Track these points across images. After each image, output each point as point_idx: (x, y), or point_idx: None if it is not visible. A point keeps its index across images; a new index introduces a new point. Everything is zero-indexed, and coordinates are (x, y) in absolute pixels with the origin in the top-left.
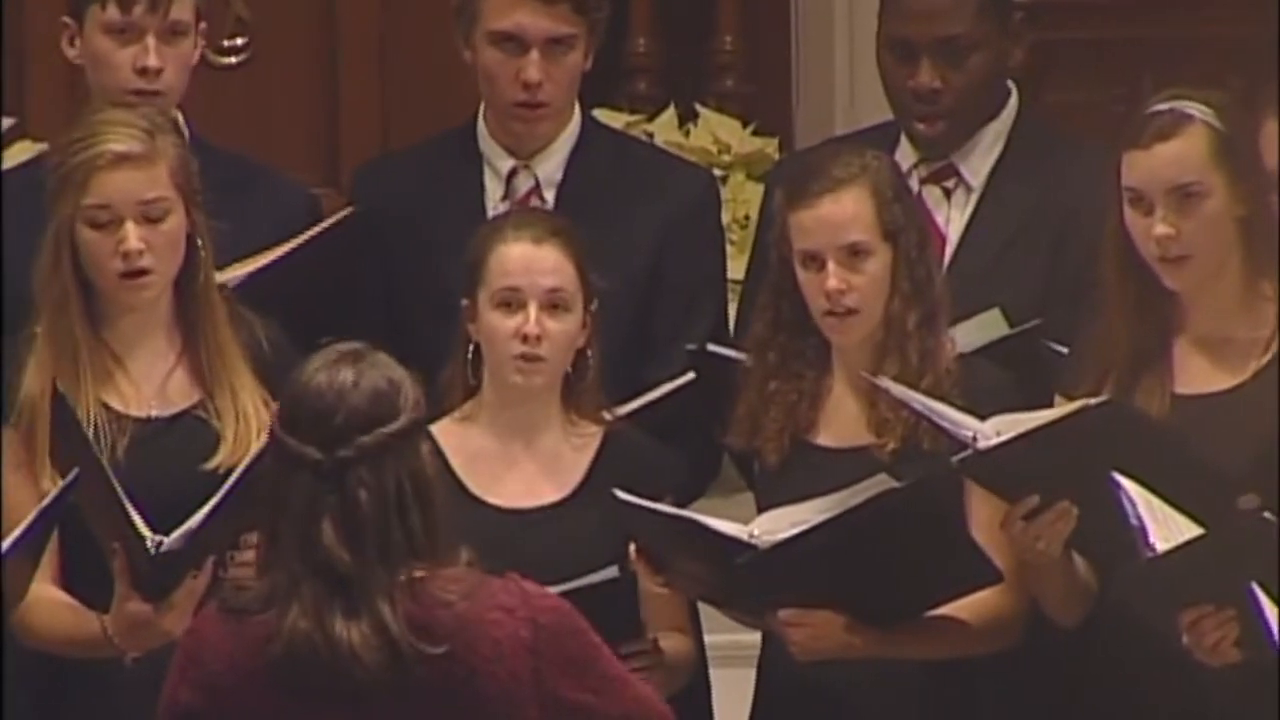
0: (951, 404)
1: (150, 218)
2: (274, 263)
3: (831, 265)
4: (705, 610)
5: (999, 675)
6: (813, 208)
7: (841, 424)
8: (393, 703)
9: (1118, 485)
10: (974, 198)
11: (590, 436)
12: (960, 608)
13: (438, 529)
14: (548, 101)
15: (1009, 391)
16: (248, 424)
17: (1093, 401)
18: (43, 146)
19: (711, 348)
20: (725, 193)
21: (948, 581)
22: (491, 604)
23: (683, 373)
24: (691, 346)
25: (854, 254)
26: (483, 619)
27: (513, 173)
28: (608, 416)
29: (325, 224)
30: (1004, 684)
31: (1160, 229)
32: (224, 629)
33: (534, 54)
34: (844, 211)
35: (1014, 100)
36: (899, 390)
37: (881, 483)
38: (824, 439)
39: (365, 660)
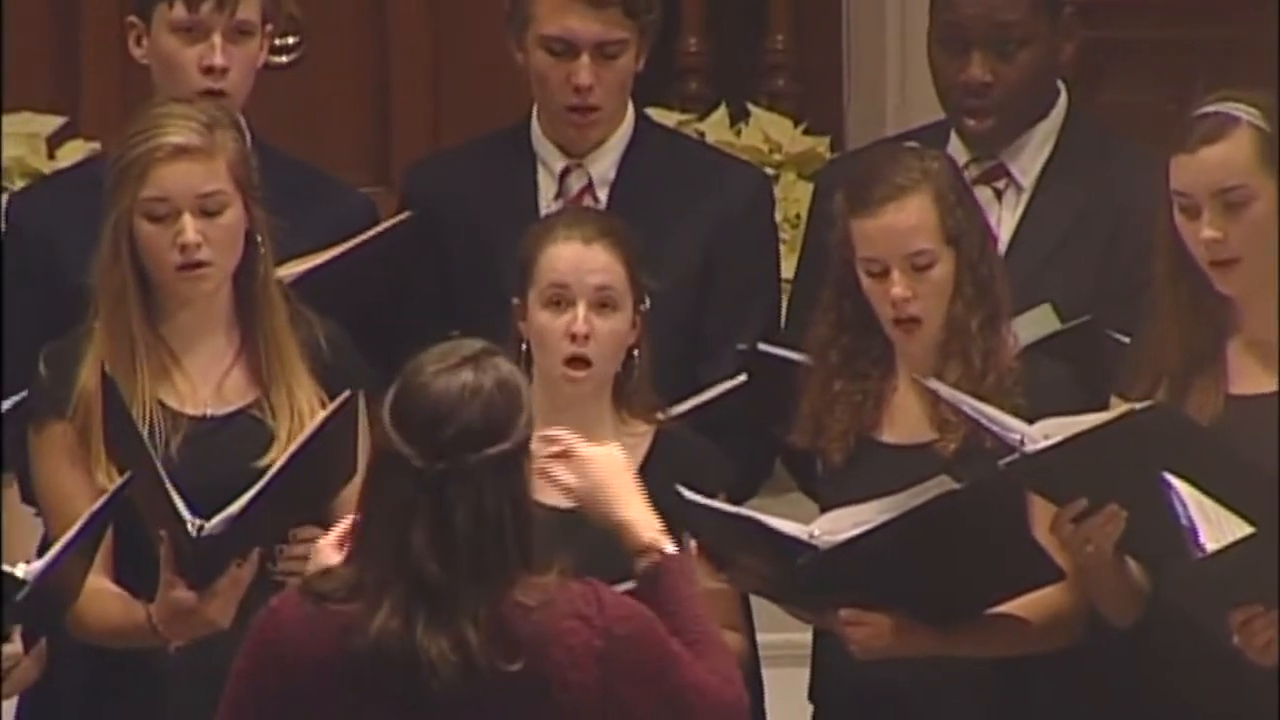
0: (1013, 402)
1: (208, 211)
2: (331, 261)
3: (896, 274)
4: (759, 608)
5: (1057, 675)
6: (876, 216)
7: (905, 421)
8: (464, 711)
9: (1168, 485)
10: (1025, 198)
11: (641, 436)
12: (1020, 606)
13: (533, 548)
14: (599, 105)
15: (1069, 388)
16: (302, 423)
17: (1138, 406)
18: (95, 146)
19: (762, 347)
20: (776, 192)
21: (1008, 580)
22: (567, 611)
23: (735, 373)
24: (742, 346)
25: (918, 262)
26: (557, 627)
27: (565, 171)
28: (660, 416)
29: (384, 225)
30: (1062, 683)
31: (1208, 233)
32: (302, 612)
33: (585, 59)
34: (908, 220)
35: (1063, 100)
36: (948, 393)
37: (942, 484)
38: (888, 436)
39: (441, 674)
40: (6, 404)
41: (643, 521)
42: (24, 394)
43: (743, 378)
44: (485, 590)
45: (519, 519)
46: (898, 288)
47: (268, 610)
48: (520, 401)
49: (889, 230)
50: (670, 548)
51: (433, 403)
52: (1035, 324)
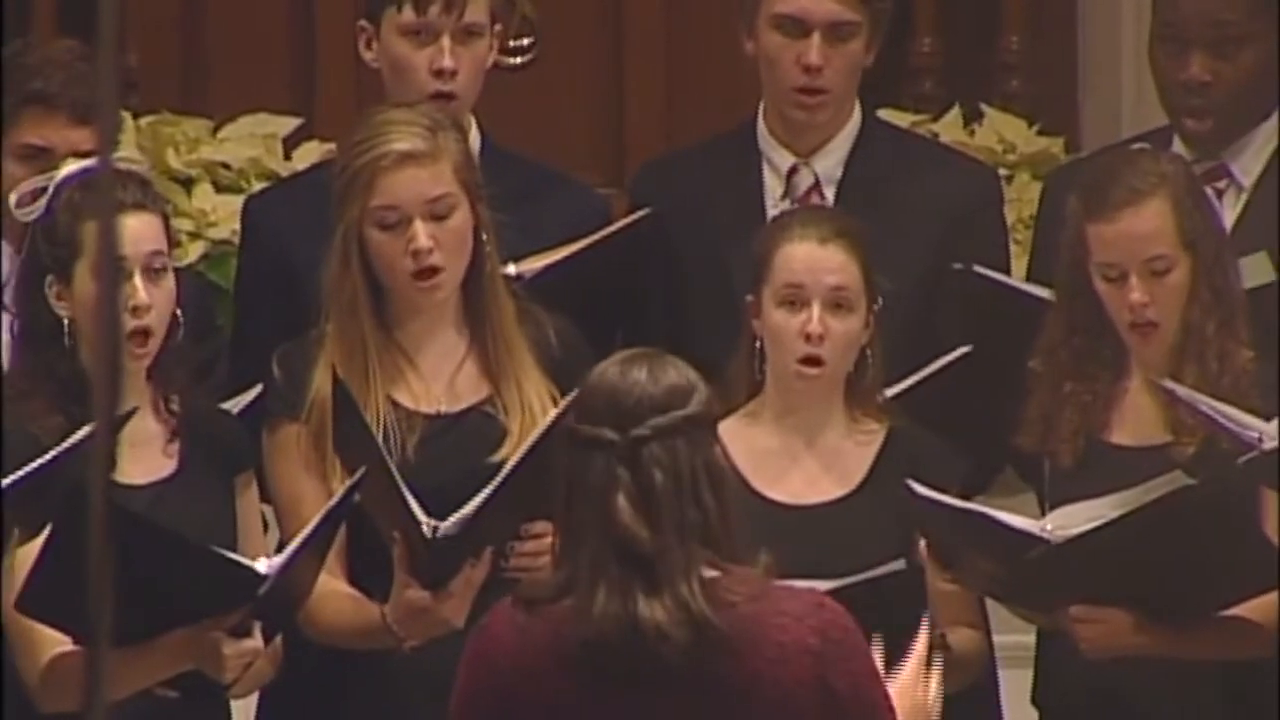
0: (1248, 404)
1: (437, 215)
2: (570, 258)
3: (1134, 279)
4: (992, 610)
5: None
6: (1113, 221)
7: (1138, 422)
8: (688, 692)
9: None
10: (1245, 198)
11: (873, 433)
12: (1254, 608)
13: (731, 517)
14: (828, 88)
15: None
16: (533, 417)
17: None
18: (330, 148)
19: (978, 269)
20: (1010, 192)
21: (1243, 581)
22: (779, 608)
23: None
24: (958, 265)
25: (1156, 267)
26: (768, 622)
27: (792, 170)
28: (884, 398)
29: (624, 222)
30: None
31: None
32: (511, 625)
33: (816, 38)
34: (1146, 225)
35: None
36: (1185, 393)
37: (1176, 479)
38: (1120, 438)
39: (671, 637)
40: (240, 403)
41: None
42: (257, 392)
43: (965, 349)
44: (691, 551)
45: (714, 483)
46: (1136, 293)
47: (479, 627)
48: (694, 378)
49: (1127, 235)
50: None
51: (611, 385)
52: (1251, 272)
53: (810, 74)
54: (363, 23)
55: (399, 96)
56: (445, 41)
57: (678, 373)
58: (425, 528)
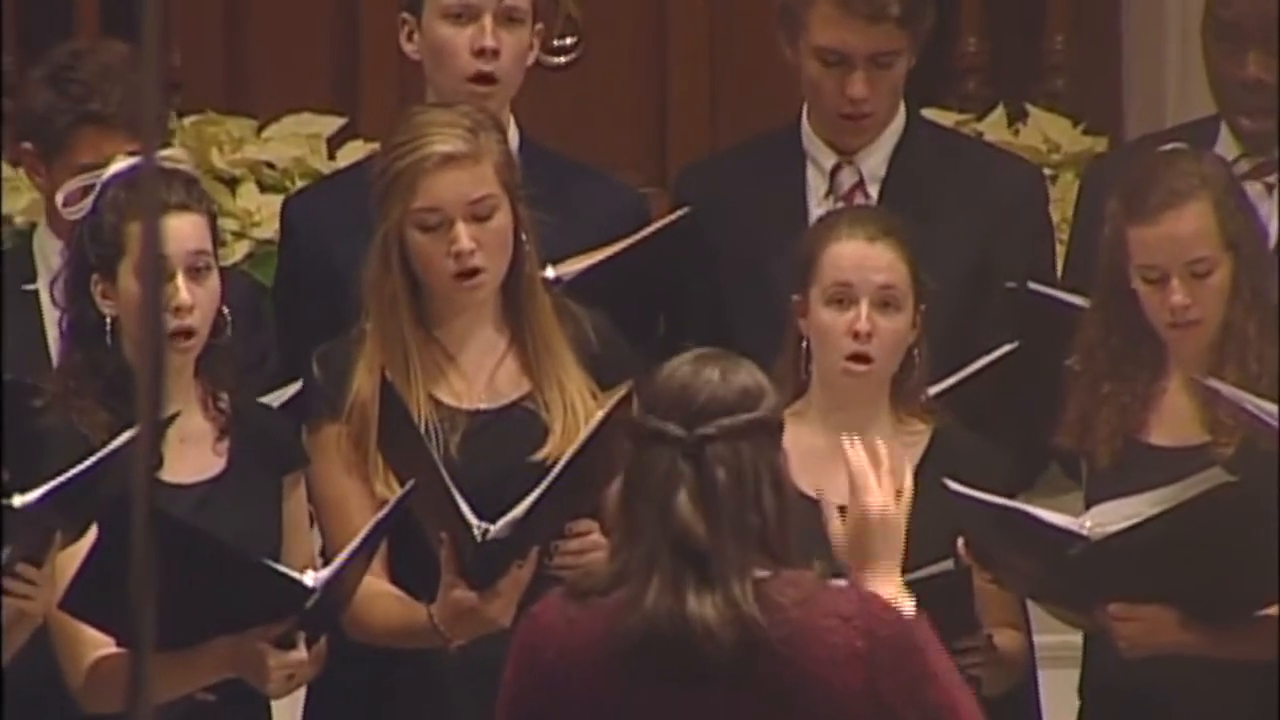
0: None
1: (479, 216)
2: (609, 259)
3: (1175, 281)
4: (1033, 610)
5: None
6: (1154, 223)
7: (1176, 423)
8: (735, 691)
9: None
10: None
11: (919, 434)
12: None
13: (789, 524)
14: (872, 112)
15: None
16: (575, 415)
17: None
18: (374, 147)
19: (1034, 286)
20: (1054, 192)
21: None
22: (827, 610)
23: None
24: (1011, 284)
25: (1198, 270)
26: (816, 625)
27: (836, 168)
28: (926, 398)
29: (663, 222)
30: None
31: None
32: (561, 616)
33: (859, 71)
34: (1187, 227)
35: None
36: (1229, 391)
37: (1216, 476)
38: (1157, 438)
39: (717, 636)
40: (280, 397)
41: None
42: (295, 391)
43: (1011, 346)
44: (747, 553)
45: (776, 488)
46: (1178, 295)
47: (527, 617)
48: (764, 382)
49: (1169, 238)
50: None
51: (682, 382)
52: None
53: (856, 104)
54: (404, 15)
55: (441, 84)
56: (487, 21)
57: (750, 375)
58: (475, 530)
